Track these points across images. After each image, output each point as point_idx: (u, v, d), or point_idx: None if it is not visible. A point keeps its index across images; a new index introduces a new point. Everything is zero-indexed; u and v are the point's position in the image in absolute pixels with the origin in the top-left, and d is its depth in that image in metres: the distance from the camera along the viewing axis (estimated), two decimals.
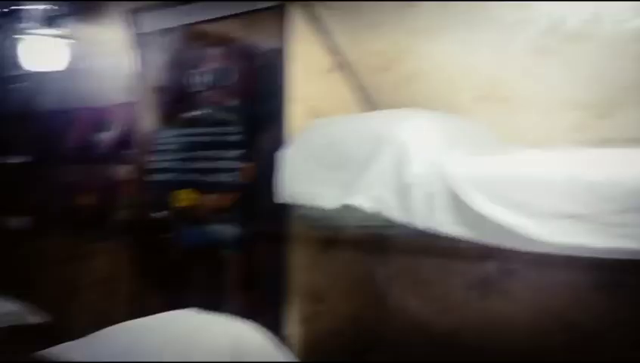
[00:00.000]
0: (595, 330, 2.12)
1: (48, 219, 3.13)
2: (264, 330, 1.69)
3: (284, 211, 2.11)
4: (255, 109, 2.34)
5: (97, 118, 2.97)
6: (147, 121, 2.62)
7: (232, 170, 2.22)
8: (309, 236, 2.20)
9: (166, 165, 2.43)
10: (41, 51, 2.90)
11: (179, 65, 2.63)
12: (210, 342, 1.58)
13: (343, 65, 2.46)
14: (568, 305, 2.17)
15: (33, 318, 2.49)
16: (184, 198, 2.29)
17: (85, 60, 2.92)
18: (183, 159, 2.36)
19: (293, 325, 2.10)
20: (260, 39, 2.44)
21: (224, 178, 2.23)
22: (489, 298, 2.34)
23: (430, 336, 2.46)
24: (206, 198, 2.27)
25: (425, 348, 2.42)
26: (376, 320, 2.54)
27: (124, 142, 2.96)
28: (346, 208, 1.90)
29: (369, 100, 2.66)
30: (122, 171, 2.90)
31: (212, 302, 1.95)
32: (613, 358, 2.05)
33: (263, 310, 2.03)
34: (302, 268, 2.18)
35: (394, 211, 1.80)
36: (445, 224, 1.70)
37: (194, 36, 2.53)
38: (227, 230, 2.22)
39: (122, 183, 2.86)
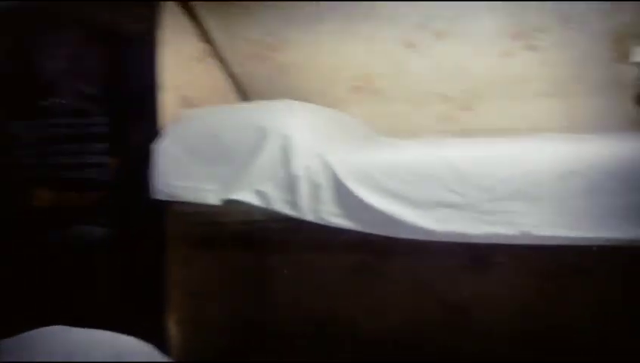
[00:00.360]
0: (467, 306, 2.31)
1: None
2: (144, 343, 1.54)
3: (159, 208, 1.98)
4: (121, 98, 2.16)
5: None
6: None
7: (98, 165, 2.02)
8: (187, 234, 2.09)
9: (18, 160, 2.15)
10: None
11: (27, 49, 2.34)
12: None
13: (215, 53, 2.37)
14: (443, 285, 2.33)
15: None
16: (42, 197, 2.04)
17: None
18: (39, 154, 2.09)
19: (174, 326, 1.99)
20: (126, 23, 2.25)
21: (89, 173, 2.01)
22: (369, 283, 2.43)
23: (313, 324, 2.50)
24: (68, 196, 2.04)
25: (308, 336, 2.45)
26: (258, 314, 2.51)
27: None
28: (230, 203, 1.83)
29: (242, 90, 2.60)
30: None
31: (82, 314, 1.77)
32: (485, 330, 2.24)
33: (141, 315, 1.89)
34: (180, 267, 2.07)
35: (281, 204, 1.77)
36: (332, 215, 1.71)
37: (44, 16, 2.26)
38: (95, 231, 2.02)
39: None
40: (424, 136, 2.21)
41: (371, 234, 1.69)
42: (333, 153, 1.77)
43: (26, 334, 1.50)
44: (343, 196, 1.69)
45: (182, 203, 1.93)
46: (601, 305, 2.09)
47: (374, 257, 2.42)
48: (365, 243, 2.40)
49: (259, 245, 2.40)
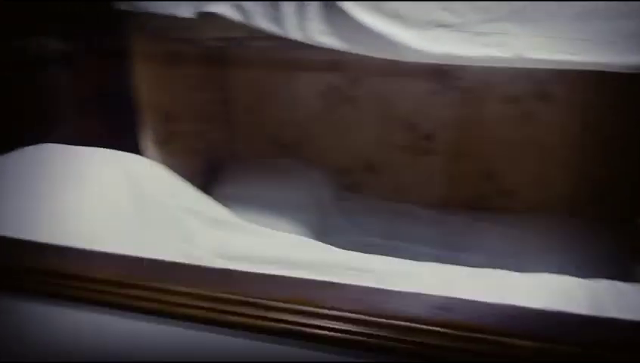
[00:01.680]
0: (432, 130, 2.37)
1: None
2: (152, 162, 1.50)
3: (124, 20, 1.80)
4: None
5: None
6: None
7: None
8: (153, 51, 1.94)
9: None
10: None
11: None
12: (102, 175, 1.36)
13: None
14: (410, 110, 2.36)
15: None
16: None
17: None
18: None
19: (150, 149, 1.93)
20: None
21: None
22: (337, 107, 2.42)
23: (280, 146, 2.51)
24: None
25: (275, 157, 2.48)
26: (227, 137, 2.48)
27: None
28: (204, 17, 1.68)
29: None
30: None
31: (54, 131, 1.67)
32: (445, 151, 2.34)
33: (115, 135, 1.81)
34: (148, 87, 1.95)
35: (261, 19, 1.65)
36: (319, 33, 1.61)
37: None
38: (49, 43, 1.83)
39: None
40: None
41: (344, 56, 1.62)
42: None
43: (18, 152, 1.41)
44: (332, 13, 1.58)
45: (149, 15, 1.75)
46: (563, 129, 2.21)
47: (345, 81, 2.39)
48: (335, 67, 2.36)
49: (228, 63, 2.29)
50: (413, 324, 0.87)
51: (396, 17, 1.55)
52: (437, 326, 0.86)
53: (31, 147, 1.44)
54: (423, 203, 2.38)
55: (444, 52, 1.54)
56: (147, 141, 1.93)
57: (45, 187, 1.37)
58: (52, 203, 1.32)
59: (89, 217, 1.35)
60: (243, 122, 2.51)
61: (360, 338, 0.88)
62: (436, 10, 1.52)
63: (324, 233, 2.15)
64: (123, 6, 1.72)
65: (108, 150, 1.49)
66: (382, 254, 1.55)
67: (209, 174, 2.31)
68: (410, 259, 1.51)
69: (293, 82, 2.41)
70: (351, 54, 1.60)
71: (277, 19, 1.62)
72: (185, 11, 1.68)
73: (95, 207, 1.38)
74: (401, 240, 2.19)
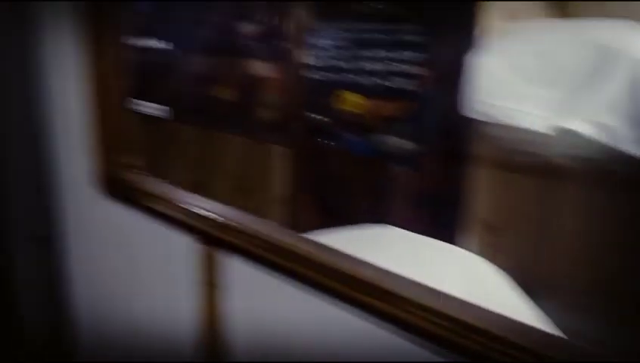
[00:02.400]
0: None
1: (183, 109, 3.04)
2: (493, 268, 1.47)
3: (468, 126, 1.85)
4: (437, 5, 2.03)
5: (239, 6, 2.74)
6: (301, 13, 2.37)
7: (408, 75, 1.96)
8: (495, 158, 1.94)
9: (326, 63, 2.20)
10: None
11: None
12: (439, 269, 1.39)
13: None
14: None
15: None
16: (351, 101, 2.07)
17: None
18: (348, 58, 2.11)
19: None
20: None
21: (398, 83, 1.97)
22: None
23: None
24: (376, 103, 2.03)
25: None
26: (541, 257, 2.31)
27: (271, 35, 2.74)
28: (556, 131, 1.62)
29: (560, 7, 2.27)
30: (269, 66, 2.72)
31: (386, 219, 1.78)
32: None
33: (439, 232, 1.84)
34: (481, 193, 1.95)
35: (624, 141, 1.51)
36: None
37: None
38: (398, 142, 2.00)
39: (268, 79, 2.69)
40: None
41: None
42: None
43: (356, 229, 1.55)
44: None
45: (496, 126, 1.78)
46: None
47: None
48: None
49: (567, 179, 2.15)
50: None
51: None
52: None
53: (372, 226, 1.56)
54: None
55: None
56: (469, 246, 1.90)
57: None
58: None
59: None
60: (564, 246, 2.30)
61: None
62: None
63: None
64: (476, 115, 1.77)
65: (446, 243, 1.52)
66: None
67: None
68: None
69: None
70: None
71: None
72: (540, 125, 1.65)
73: None
74: None
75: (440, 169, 1.93)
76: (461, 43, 1.90)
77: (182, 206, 1.41)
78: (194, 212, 1.38)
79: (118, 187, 1.61)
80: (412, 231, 1.59)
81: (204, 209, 1.37)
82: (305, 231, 1.61)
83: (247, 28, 2.72)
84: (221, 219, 1.32)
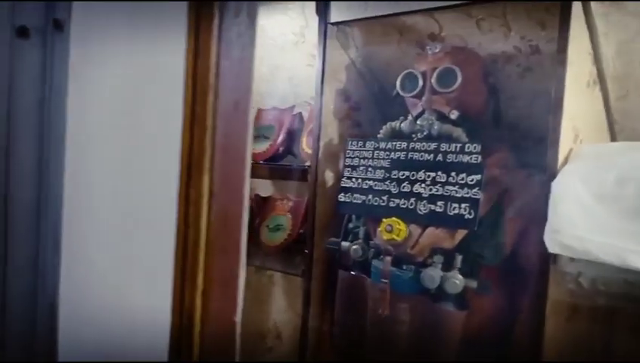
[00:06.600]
0: None
1: None
2: None
3: (537, 261, 1.56)
4: (494, 123, 1.84)
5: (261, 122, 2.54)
6: (334, 130, 2.15)
7: (463, 200, 1.69)
8: (571, 299, 1.63)
9: (362, 184, 1.94)
10: None
11: (377, 61, 2.18)
12: None
13: (604, 78, 1.90)
14: None
15: None
16: (393, 229, 1.77)
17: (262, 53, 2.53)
18: (390, 180, 1.85)
19: None
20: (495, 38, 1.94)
21: (451, 209, 1.70)
22: None
23: None
24: (423, 232, 1.74)
25: None
26: None
27: (289, 153, 2.53)
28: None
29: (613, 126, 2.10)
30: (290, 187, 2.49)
31: None
32: None
33: None
34: (552, 342, 1.61)
35: None
36: None
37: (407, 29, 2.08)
38: (447, 277, 1.68)
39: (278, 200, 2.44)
40: None
41: None
42: None
43: None
44: None
45: (576, 261, 1.49)
46: None
47: None
48: None
49: None
50: None
51: None
52: None
53: None
54: None
55: None
56: None
57: None
58: None
59: None
60: None
61: None
62: None
63: None
64: (554, 248, 1.49)
65: None
66: None
67: None
68: None
69: None
70: None
71: None
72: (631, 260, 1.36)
73: None
74: None
75: (498, 312, 1.61)
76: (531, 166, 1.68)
77: None
78: None
79: None
80: None
81: None
82: None
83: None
84: None
